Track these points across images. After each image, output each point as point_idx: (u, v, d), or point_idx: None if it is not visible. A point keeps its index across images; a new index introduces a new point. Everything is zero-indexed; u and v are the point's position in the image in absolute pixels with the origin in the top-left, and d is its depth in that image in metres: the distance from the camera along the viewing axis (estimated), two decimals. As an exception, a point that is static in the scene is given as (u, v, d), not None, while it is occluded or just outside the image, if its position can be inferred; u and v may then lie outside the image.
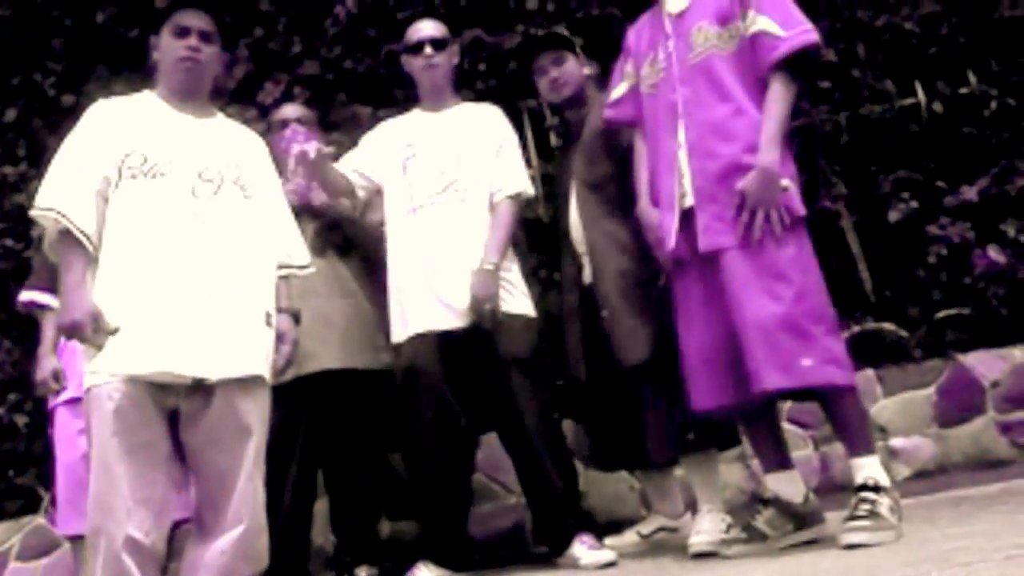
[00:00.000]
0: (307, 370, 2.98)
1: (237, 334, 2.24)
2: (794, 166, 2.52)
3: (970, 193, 4.01)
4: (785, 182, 2.40)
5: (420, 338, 2.88)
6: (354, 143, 3.25)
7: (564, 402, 3.12)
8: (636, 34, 2.76)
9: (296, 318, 2.49)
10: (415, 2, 4.24)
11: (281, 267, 2.45)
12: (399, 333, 2.95)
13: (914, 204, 4.03)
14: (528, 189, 3.06)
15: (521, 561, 3.17)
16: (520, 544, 3.47)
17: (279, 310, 2.40)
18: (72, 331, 2.13)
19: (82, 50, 4.50)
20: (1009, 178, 4.03)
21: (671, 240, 2.51)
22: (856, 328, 3.85)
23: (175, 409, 2.19)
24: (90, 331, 2.11)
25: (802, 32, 2.44)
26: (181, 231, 2.22)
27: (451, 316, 2.87)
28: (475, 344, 2.86)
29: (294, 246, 2.52)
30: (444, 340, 2.87)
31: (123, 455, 2.09)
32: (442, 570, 2.86)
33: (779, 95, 2.43)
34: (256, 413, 2.27)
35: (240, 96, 4.26)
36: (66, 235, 2.19)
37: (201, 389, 2.18)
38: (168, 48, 2.39)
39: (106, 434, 2.10)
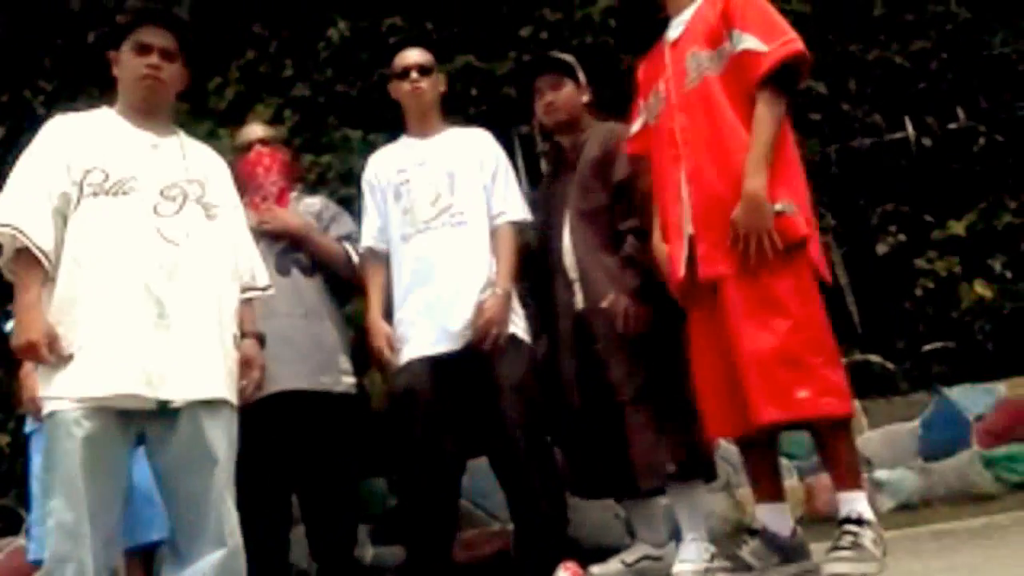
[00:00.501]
0: (267, 391, 2.94)
1: (202, 356, 2.21)
2: (795, 185, 2.42)
3: (958, 227, 4.04)
4: (779, 205, 2.34)
5: (416, 362, 2.87)
6: (343, 166, 3.26)
7: (553, 428, 3.10)
8: (644, 67, 2.75)
9: (261, 341, 2.45)
10: (407, 27, 4.27)
11: (244, 289, 2.42)
12: (398, 357, 2.94)
13: (902, 237, 4.06)
14: (528, 216, 3.07)
15: (504, 588, 3.14)
16: (504, 570, 3.44)
17: (244, 334, 2.36)
18: (27, 352, 2.09)
19: (72, 69, 4.50)
20: (996, 213, 4.06)
21: (680, 269, 2.48)
22: (843, 360, 3.85)
23: (141, 433, 2.16)
24: (45, 352, 2.07)
25: (784, 44, 2.38)
26: (144, 250, 2.18)
27: (446, 340, 2.86)
28: (470, 368, 2.84)
29: (256, 267, 2.49)
30: (439, 364, 2.86)
31: (91, 483, 2.05)
32: (426, 596, 2.83)
33: (765, 115, 2.36)
34: (223, 437, 2.23)
35: (231, 117, 4.27)
36: (23, 252, 2.13)
37: (166, 413, 2.15)
38: (128, 65, 2.33)
39: (74, 462, 2.04)
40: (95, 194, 2.19)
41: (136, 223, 2.19)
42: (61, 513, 2.05)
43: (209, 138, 4.17)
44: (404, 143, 3.16)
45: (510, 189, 3.06)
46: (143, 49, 2.32)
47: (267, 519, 2.94)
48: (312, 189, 3.49)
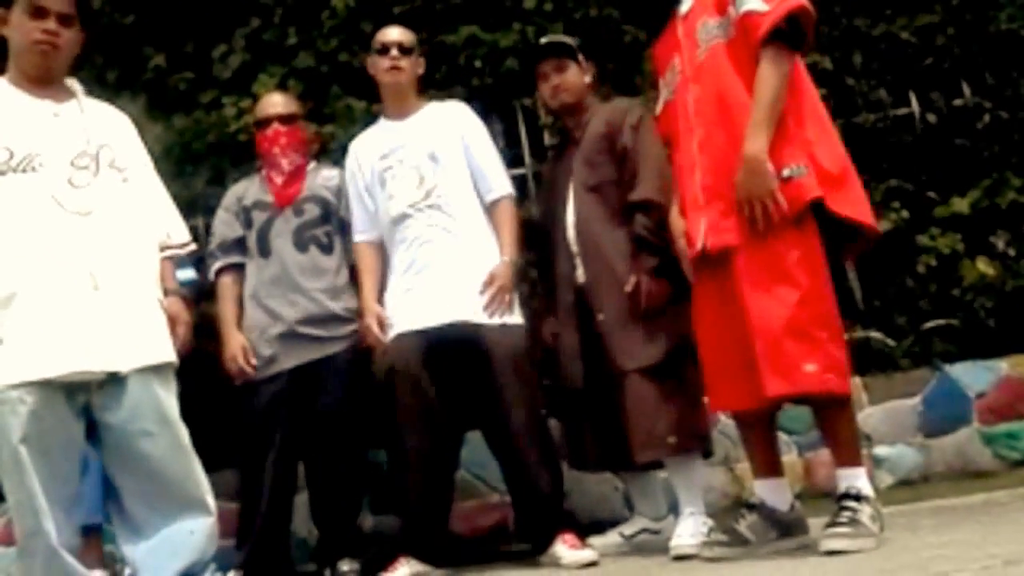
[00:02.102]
0: (288, 365, 3.03)
1: (142, 321, 2.20)
2: (811, 145, 2.34)
3: (961, 205, 4.02)
4: (787, 170, 2.30)
5: (402, 337, 2.89)
6: (348, 136, 3.24)
7: (551, 401, 3.12)
8: (659, 46, 2.73)
9: (184, 300, 2.43)
10: (412, -2, 4.23)
11: (163, 247, 2.39)
12: (387, 335, 2.96)
13: (905, 214, 4.04)
14: (512, 189, 3.09)
15: (503, 558, 3.17)
16: (503, 541, 3.46)
17: (167, 292, 2.34)
18: None
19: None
20: (1000, 191, 4.04)
21: (698, 241, 2.46)
22: (845, 336, 3.85)
23: (86, 405, 2.13)
24: None
25: (784, 1, 2.32)
26: (65, 225, 2.13)
27: (436, 315, 2.87)
28: (461, 343, 2.85)
29: (173, 224, 2.45)
30: (428, 338, 2.87)
31: (40, 458, 2.04)
32: (423, 565, 2.86)
33: (766, 76, 2.31)
34: (174, 398, 2.23)
35: (235, 86, 4.24)
36: None
37: (113, 382, 2.13)
38: (22, 28, 2.21)
39: (16, 439, 2.02)
40: (2, 172, 2.13)
41: (50, 199, 2.13)
42: (16, 492, 2.05)
43: (214, 107, 4.20)
44: (383, 127, 3.15)
45: (498, 163, 3.08)
46: (39, 12, 2.21)
47: (272, 487, 3.00)
48: (315, 158, 3.47)
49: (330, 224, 3.18)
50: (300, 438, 3.06)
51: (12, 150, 2.15)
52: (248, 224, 3.18)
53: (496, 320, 2.88)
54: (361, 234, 3.11)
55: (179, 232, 2.47)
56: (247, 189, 3.26)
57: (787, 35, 2.35)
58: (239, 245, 3.20)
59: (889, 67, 4.29)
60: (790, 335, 2.27)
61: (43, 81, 2.26)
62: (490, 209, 3.02)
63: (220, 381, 3.14)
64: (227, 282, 3.19)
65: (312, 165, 3.30)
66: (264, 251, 3.13)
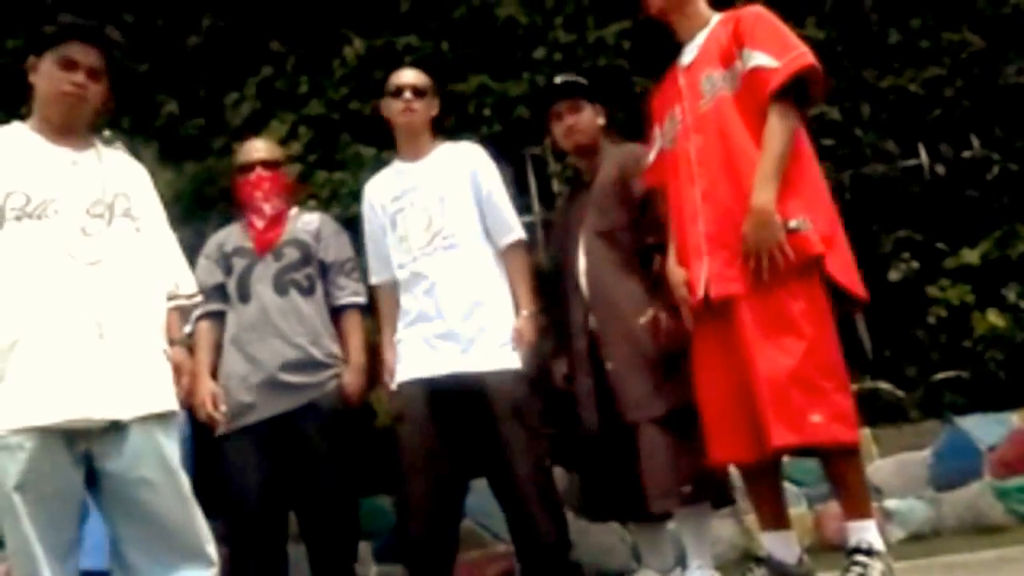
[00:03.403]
0: (269, 413, 2.99)
1: (146, 370, 2.19)
2: (813, 202, 2.38)
3: (971, 256, 4.02)
4: (793, 222, 2.31)
5: (410, 384, 2.87)
6: (356, 183, 3.26)
7: (558, 450, 3.09)
8: (658, 94, 2.75)
9: (189, 349, 2.44)
10: (423, 46, 4.29)
11: (170, 297, 2.39)
12: (393, 381, 2.96)
13: (915, 264, 4.03)
14: (523, 234, 3.09)
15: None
16: (507, 593, 3.41)
17: (172, 342, 2.34)
18: None
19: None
20: (1010, 242, 4.03)
21: (700, 289, 2.45)
22: (853, 386, 3.81)
23: (87, 452, 2.12)
24: None
25: (795, 58, 2.35)
26: (75, 272, 2.13)
27: (442, 362, 2.86)
28: (464, 391, 2.84)
29: (182, 275, 2.46)
30: (434, 386, 2.86)
31: (36, 505, 2.03)
32: (428, 616, 2.81)
33: (775, 130, 2.34)
34: (176, 448, 2.22)
35: (246, 132, 4.29)
36: None
37: (114, 430, 2.12)
38: (51, 78, 2.24)
39: (11, 485, 2.01)
40: (18, 218, 2.14)
41: (64, 246, 2.14)
42: (12, 538, 2.03)
43: (225, 153, 4.25)
44: (396, 168, 3.16)
45: (507, 208, 3.08)
46: (69, 65, 2.24)
47: (260, 535, 2.96)
48: (325, 206, 3.50)
49: (310, 267, 3.14)
50: (286, 486, 3.01)
51: (29, 196, 2.16)
52: (228, 270, 3.16)
53: (499, 367, 2.86)
54: (377, 276, 3.11)
55: (187, 283, 2.48)
56: (228, 236, 3.24)
57: (795, 91, 2.37)
58: (219, 292, 3.16)
59: (897, 119, 4.31)
60: (796, 385, 2.26)
61: (65, 130, 2.29)
62: (504, 254, 3.02)
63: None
64: (204, 328, 3.14)
65: (294, 211, 3.29)
66: (244, 296, 3.10)
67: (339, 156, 4.15)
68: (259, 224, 3.17)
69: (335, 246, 3.21)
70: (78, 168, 2.26)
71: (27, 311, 2.09)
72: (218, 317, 3.16)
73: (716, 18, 2.60)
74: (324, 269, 3.17)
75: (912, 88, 4.31)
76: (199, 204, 4.14)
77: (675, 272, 2.58)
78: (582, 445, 2.91)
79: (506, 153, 3.27)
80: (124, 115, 4.32)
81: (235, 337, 3.08)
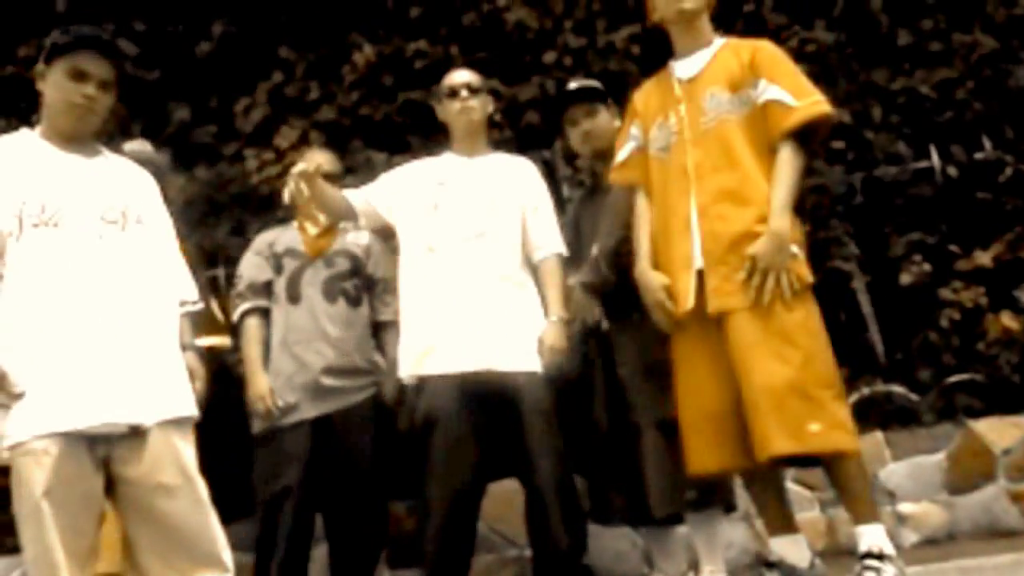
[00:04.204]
0: (313, 414, 3.01)
1: (165, 375, 2.20)
2: (802, 234, 2.51)
3: (984, 258, 4.00)
4: (794, 248, 2.40)
5: (439, 382, 2.86)
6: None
7: (570, 454, 3.09)
8: (644, 97, 2.75)
9: (200, 354, 2.45)
10: (432, 52, 4.30)
11: (180, 303, 2.40)
12: (412, 369, 2.92)
13: (927, 267, 4.02)
14: (565, 251, 3.04)
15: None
16: (519, 598, 3.41)
17: (184, 347, 2.34)
18: None
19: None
20: (1023, 244, 4.02)
21: (689, 300, 2.47)
22: (865, 390, 3.81)
23: (106, 458, 2.11)
24: None
25: (814, 103, 2.45)
26: (92, 279, 2.13)
27: (470, 360, 2.85)
28: (491, 390, 2.83)
29: (188, 282, 2.47)
30: (461, 383, 2.83)
31: (58, 510, 2.03)
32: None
33: (789, 162, 2.43)
34: (193, 453, 2.22)
35: (257, 139, 4.31)
36: None
37: (134, 435, 2.12)
38: (62, 89, 2.22)
39: (39, 492, 2.01)
40: (35, 226, 2.14)
41: (80, 253, 2.15)
42: (34, 545, 2.03)
43: (236, 159, 4.27)
44: (448, 158, 3.12)
45: (552, 223, 3.06)
46: (80, 76, 2.23)
47: (289, 538, 2.96)
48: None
49: (358, 279, 3.19)
50: (319, 489, 3.03)
51: (44, 204, 2.16)
52: (278, 270, 3.20)
53: (527, 368, 2.86)
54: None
55: (192, 289, 2.49)
56: (278, 236, 3.28)
57: (805, 132, 2.45)
58: (267, 289, 3.21)
59: (908, 121, 4.30)
60: (794, 395, 2.29)
61: (74, 139, 2.29)
62: (540, 263, 3.00)
63: (237, 430, 3.13)
64: (253, 324, 3.18)
65: (343, 224, 3.30)
66: (294, 298, 3.14)
67: (350, 161, 4.16)
68: (312, 231, 3.23)
69: (384, 264, 3.25)
70: (90, 175, 2.27)
71: (47, 318, 2.10)
72: (264, 313, 3.20)
73: (720, 41, 2.63)
74: (371, 284, 3.21)
75: (923, 90, 4.30)
76: (211, 209, 4.16)
77: (649, 275, 2.58)
78: (591, 448, 2.91)
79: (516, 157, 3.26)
80: (136, 122, 4.35)
81: (283, 337, 3.11)
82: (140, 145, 3.35)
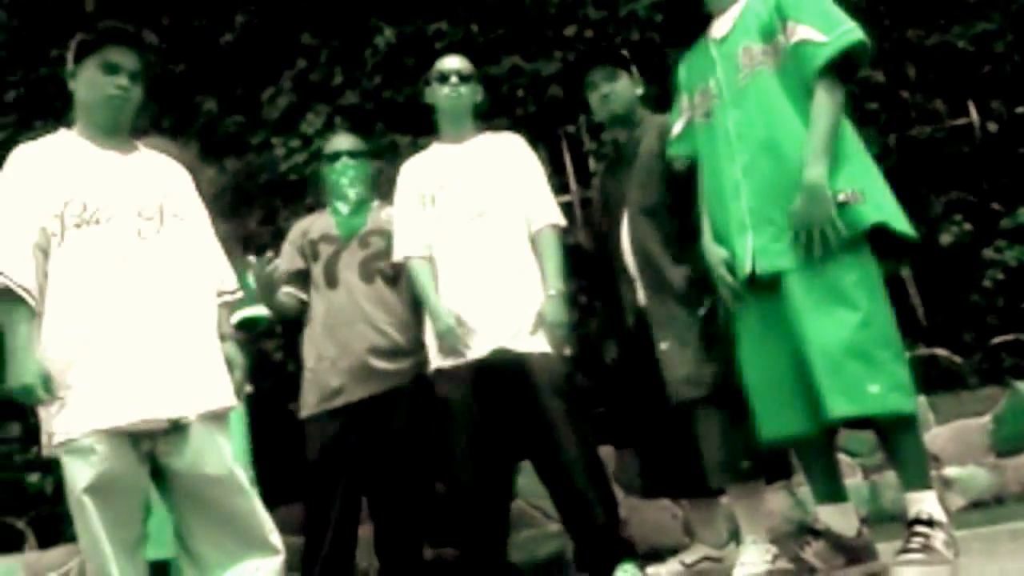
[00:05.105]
0: (358, 395, 3.04)
1: (203, 369, 2.24)
2: (859, 172, 2.34)
3: (1028, 215, 3.90)
4: (843, 195, 2.28)
5: (454, 368, 2.88)
6: (394, 171, 3.27)
7: (608, 429, 3.08)
8: (686, 67, 2.71)
9: (239, 343, 2.48)
10: (453, 31, 4.27)
11: (219, 294, 2.43)
12: (434, 359, 2.96)
13: (968, 227, 3.92)
14: (562, 220, 3.07)
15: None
16: (561, 571, 3.42)
17: (223, 337, 2.38)
18: (23, 396, 2.09)
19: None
20: (1068, 199, 3.91)
21: (747, 265, 2.41)
22: (908, 354, 3.73)
23: (151, 451, 2.17)
24: (41, 394, 2.07)
25: (844, 33, 2.31)
26: (133, 275, 2.18)
27: (483, 345, 2.86)
28: (507, 371, 2.84)
29: (225, 271, 2.50)
30: (476, 367, 2.86)
31: (105, 505, 2.08)
32: (483, 598, 2.82)
33: (823, 105, 2.31)
34: (229, 443, 2.27)
35: (284, 127, 4.33)
36: (6, 293, 2.10)
37: (177, 429, 2.17)
38: (95, 83, 2.30)
39: (81, 487, 2.07)
40: (77, 225, 2.18)
41: (120, 250, 2.19)
42: (84, 536, 2.09)
43: (264, 148, 4.29)
44: (437, 149, 3.18)
45: (545, 194, 3.08)
46: (112, 69, 2.29)
47: (338, 520, 3.01)
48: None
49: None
50: (365, 471, 3.07)
51: (86, 203, 2.21)
52: (315, 256, 3.22)
53: (540, 349, 2.85)
54: (409, 250, 3.06)
55: (231, 279, 2.52)
56: (312, 223, 3.32)
57: (841, 66, 2.33)
58: (297, 277, 3.24)
59: (945, 77, 4.19)
60: (852, 357, 2.22)
61: (111, 134, 2.34)
62: (536, 235, 3.01)
63: (284, 417, 3.16)
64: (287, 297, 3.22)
65: (376, 203, 3.34)
66: (332, 282, 3.16)
67: (374, 145, 4.15)
68: (344, 210, 3.25)
69: None
70: (127, 171, 2.32)
71: (90, 317, 2.14)
72: (297, 300, 3.23)
73: None
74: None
75: (960, 45, 4.17)
76: (241, 199, 4.19)
77: (712, 250, 2.54)
78: (636, 423, 2.89)
79: (541, 133, 3.26)
80: (165, 116, 4.39)
81: (324, 322, 3.14)
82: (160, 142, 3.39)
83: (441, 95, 3.13)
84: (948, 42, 4.21)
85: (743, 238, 2.42)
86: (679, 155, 2.71)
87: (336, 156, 3.28)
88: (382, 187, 3.71)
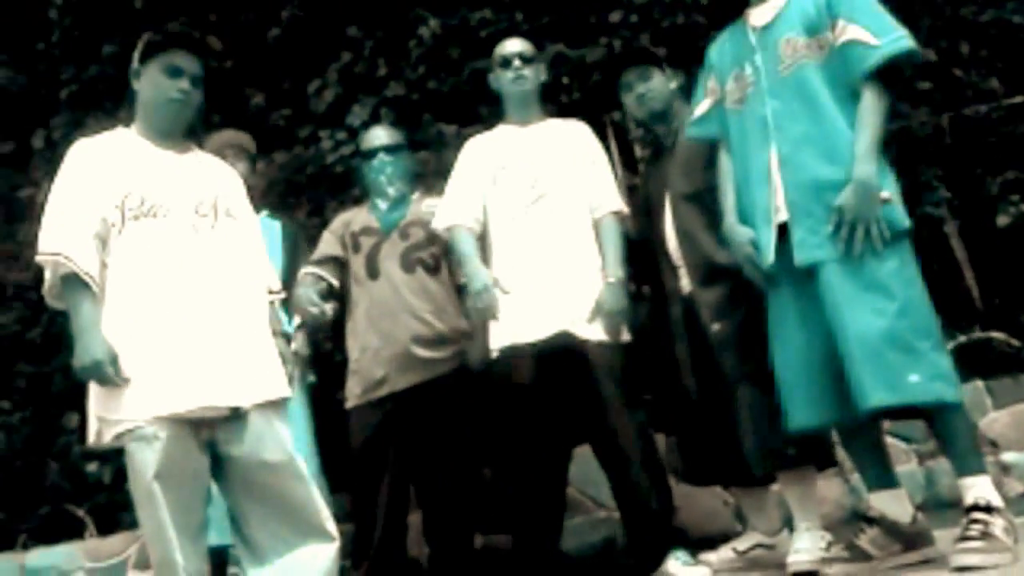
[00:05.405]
0: (401, 385, 3.07)
1: (259, 360, 2.29)
2: (893, 177, 2.40)
3: (1087, 194, 3.80)
4: (885, 194, 2.30)
5: (514, 351, 2.89)
6: (440, 162, 3.29)
7: (658, 415, 3.07)
8: (719, 49, 2.69)
9: (287, 339, 2.54)
10: (497, 20, 4.27)
11: (268, 292, 2.48)
12: (494, 341, 2.97)
13: (1024, 207, 3.84)
14: (625, 208, 3.07)
15: (613, 575, 3.12)
16: (612, 558, 3.42)
17: (273, 333, 2.42)
18: (92, 372, 2.14)
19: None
20: None
21: (769, 254, 2.43)
22: (963, 338, 3.67)
23: (211, 439, 2.22)
24: (111, 371, 2.13)
25: (896, 39, 2.33)
26: (189, 268, 2.24)
27: (541, 326, 2.87)
28: (566, 356, 2.85)
29: (271, 271, 2.56)
30: (536, 350, 2.87)
31: (168, 491, 2.13)
32: (535, 584, 2.84)
33: (873, 105, 2.32)
34: (288, 432, 2.32)
35: (331, 119, 4.37)
36: (69, 278, 2.17)
37: (236, 417, 2.22)
38: (158, 86, 2.36)
39: (151, 474, 2.12)
40: (136, 217, 2.24)
41: (177, 243, 2.25)
42: (148, 523, 2.15)
43: (311, 141, 4.34)
44: (502, 130, 3.18)
45: (609, 182, 3.08)
46: (175, 72, 2.36)
47: (387, 508, 3.05)
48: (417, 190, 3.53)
49: (435, 247, 3.21)
50: (411, 459, 3.10)
51: (144, 196, 2.28)
52: (356, 248, 3.25)
53: (598, 337, 2.86)
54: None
55: (276, 280, 2.59)
56: (354, 216, 3.35)
57: (889, 70, 2.34)
58: (331, 262, 3.25)
59: (1000, 54, 4.09)
60: (891, 346, 2.22)
61: (169, 134, 2.41)
62: (598, 222, 3.01)
63: (333, 406, 3.21)
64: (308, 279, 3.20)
65: (416, 195, 3.36)
66: (373, 273, 3.19)
67: (421, 136, 4.18)
68: (383, 205, 3.28)
69: None
70: (184, 169, 2.39)
71: (149, 306, 2.20)
72: (321, 280, 3.22)
73: None
74: (448, 249, 3.21)
75: (1016, 20, 4.07)
76: (289, 191, 4.24)
77: (737, 230, 2.54)
78: (682, 410, 2.89)
79: (586, 120, 3.23)
80: (214, 111, 4.46)
81: (367, 312, 3.16)
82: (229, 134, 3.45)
83: (505, 80, 3.13)
84: (1003, 18, 4.12)
85: (767, 228, 2.43)
86: (698, 136, 2.71)
87: (373, 153, 3.29)
88: (429, 178, 3.75)
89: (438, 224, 3.10)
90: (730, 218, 2.58)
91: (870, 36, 2.32)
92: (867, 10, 2.37)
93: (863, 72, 2.32)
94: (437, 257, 3.20)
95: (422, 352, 3.08)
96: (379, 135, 3.37)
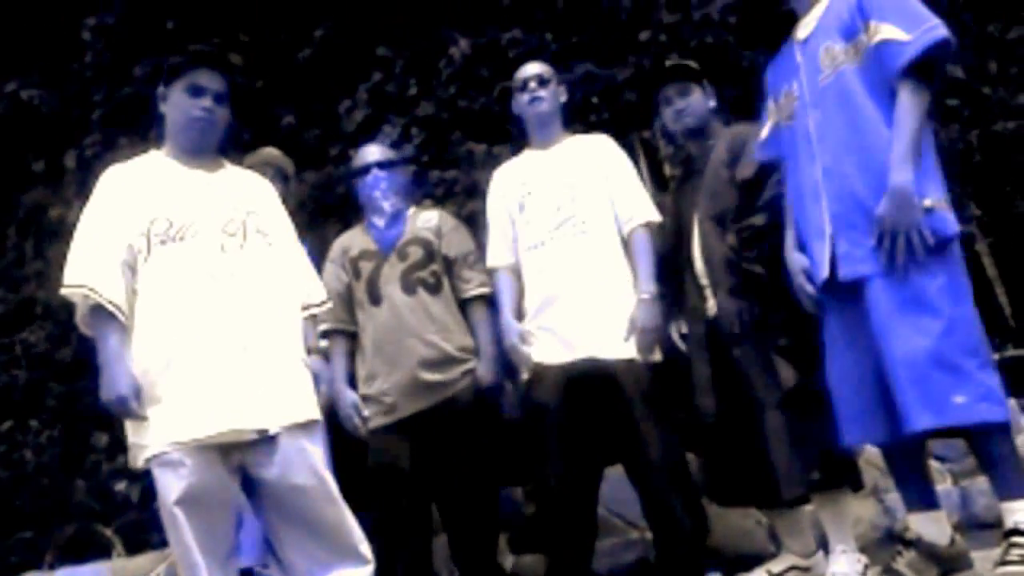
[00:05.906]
0: (409, 411, 3.04)
1: (290, 381, 2.29)
2: (939, 180, 2.32)
3: (1120, 211, 3.78)
4: (928, 200, 2.23)
5: (546, 373, 2.90)
6: (470, 180, 3.31)
7: (686, 436, 3.07)
8: (772, 69, 2.69)
9: (326, 356, 2.48)
10: (527, 40, 4.30)
11: (305, 307, 2.47)
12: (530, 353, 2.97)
13: (1057, 224, 3.82)
14: (656, 216, 3.04)
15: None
16: (644, 579, 3.41)
17: (308, 351, 2.43)
18: (116, 407, 2.16)
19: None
20: None
21: (823, 270, 2.39)
22: (995, 356, 3.64)
23: (242, 463, 2.23)
24: (135, 405, 2.14)
25: (927, 31, 2.24)
26: (217, 290, 2.24)
27: (574, 350, 2.88)
28: (596, 377, 2.85)
29: (312, 284, 2.54)
30: (566, 372, 2.88)
31: (195, 516, 2.14)
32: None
33: (909, 106, 2.25)
34: (322, 454, 2.32)
35: (360, 138, 4.40)
36: (97, 309, 2.19)
37: (266, 441, 2.22)
38: (182, 106, 2.38)
39: (173, 499, 2.13)
40: (163, 242, 2.26)
41: (205, 266, 2.25)
42: (176, 546, 2.16)
43: (341, 160, 4.37)
44: (526, 156, 3.21)
45: (636, 193, 3.07)
46: (198, 91, 2.37)
47: (407, 530, 3.03)
48: (439, 203, 3.56)
49: (435, 264, 3.17)
50: (430, 481, 3.08)
51: (171, 220, 2.29)
52: (357, 275, 3.20)
53: (628, 355, 2.86)
54: (498, 259, 3.13)
55: (318, 291, 2.56)
56: (351, 240, 3.30)
57: (925, 66, 2.27)
58: (346, 297, 3.19)
59: (1028, 71, 4.09)
60: (935, 366, 2.17)
61: (197, 154, 2.42)
62: (629, 235, 3.00)
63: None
64: (339, 338, 3.20)
65: (412, 210, 3.33)
66: (375, 299, 3.14)
67: (451, 155, 4.21)
68: (380, 223, 3.24)
69: (456, 240, 3.23)
70: (212, 189, 2.39)
71: (176, 331, 2.21)
72: (345, 334, 3.20)
73: None
74: (448, 264, 3.19)
75: (1044, 37, 4.07)
76: (320, 211, 4.27)
77: (793, 258, 2.52)
78: (704, 431, 2.89)
79: (616, 139, 3.24)
80: (245, 130, 4.50)
81: (372, 340, 3.13)
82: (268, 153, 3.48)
83: (523, 102, 3.16)
84: (1031, 34, 4.11)
85: (821, 243, 2.40)
86: (765, 159, 2.70)
87: (366, 169, 3.26)
88: (456, 196, 3.78)
89: (488, 264, 3.17)
90: (787, 244, 2.56)
91: (901, 32, 2.26)
92: (897, 6, 2.30)
93: (897, 70, 2.26)
94: (438, 275, 3.16)
95: (429, 376, 3.04)
96: (372, 151, 3.35)
